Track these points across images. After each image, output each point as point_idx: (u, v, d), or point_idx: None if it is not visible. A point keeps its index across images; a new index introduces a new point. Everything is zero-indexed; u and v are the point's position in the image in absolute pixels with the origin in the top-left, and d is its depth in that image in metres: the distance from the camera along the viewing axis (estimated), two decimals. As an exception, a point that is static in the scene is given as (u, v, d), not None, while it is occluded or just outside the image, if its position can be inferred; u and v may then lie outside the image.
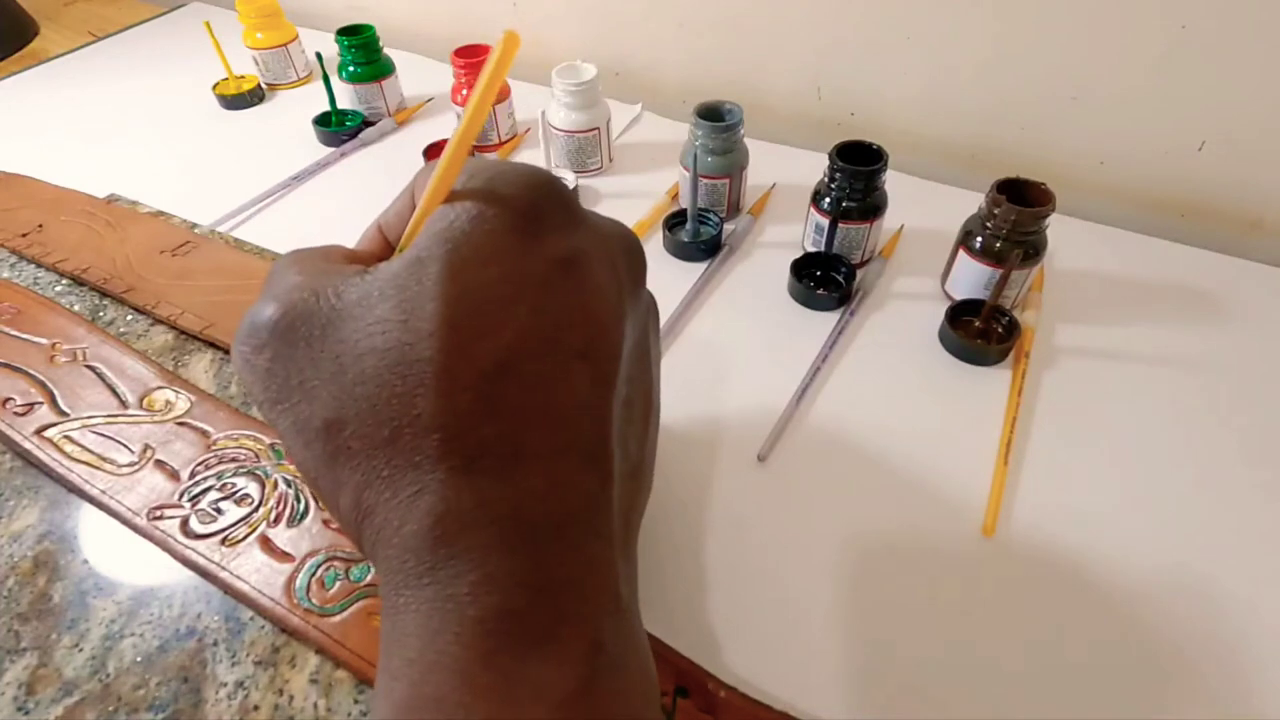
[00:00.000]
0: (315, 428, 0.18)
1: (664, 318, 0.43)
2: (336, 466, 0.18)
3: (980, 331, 0.41)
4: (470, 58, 0.56)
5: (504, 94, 0.58)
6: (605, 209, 0.53)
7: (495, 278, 0.18)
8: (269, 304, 0.19)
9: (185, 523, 0.33)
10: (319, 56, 0.60)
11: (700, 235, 0.48)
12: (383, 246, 0.23)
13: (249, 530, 0.32)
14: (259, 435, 0.36)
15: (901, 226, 0.50)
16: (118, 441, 0.36)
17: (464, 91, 0.57)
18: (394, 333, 0.17)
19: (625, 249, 0.22)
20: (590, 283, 0.19)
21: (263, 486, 0.34)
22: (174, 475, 0.34)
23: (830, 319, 0.43)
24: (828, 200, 0.44)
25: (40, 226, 0.50)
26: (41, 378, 0.39)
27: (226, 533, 0.32)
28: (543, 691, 0.16)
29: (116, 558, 0.32)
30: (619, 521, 0.20)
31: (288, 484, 0.34)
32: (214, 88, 0.66)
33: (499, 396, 0.17)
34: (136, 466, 0.35)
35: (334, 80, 0.60)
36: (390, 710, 0.17)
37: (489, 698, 0.16)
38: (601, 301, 0.19)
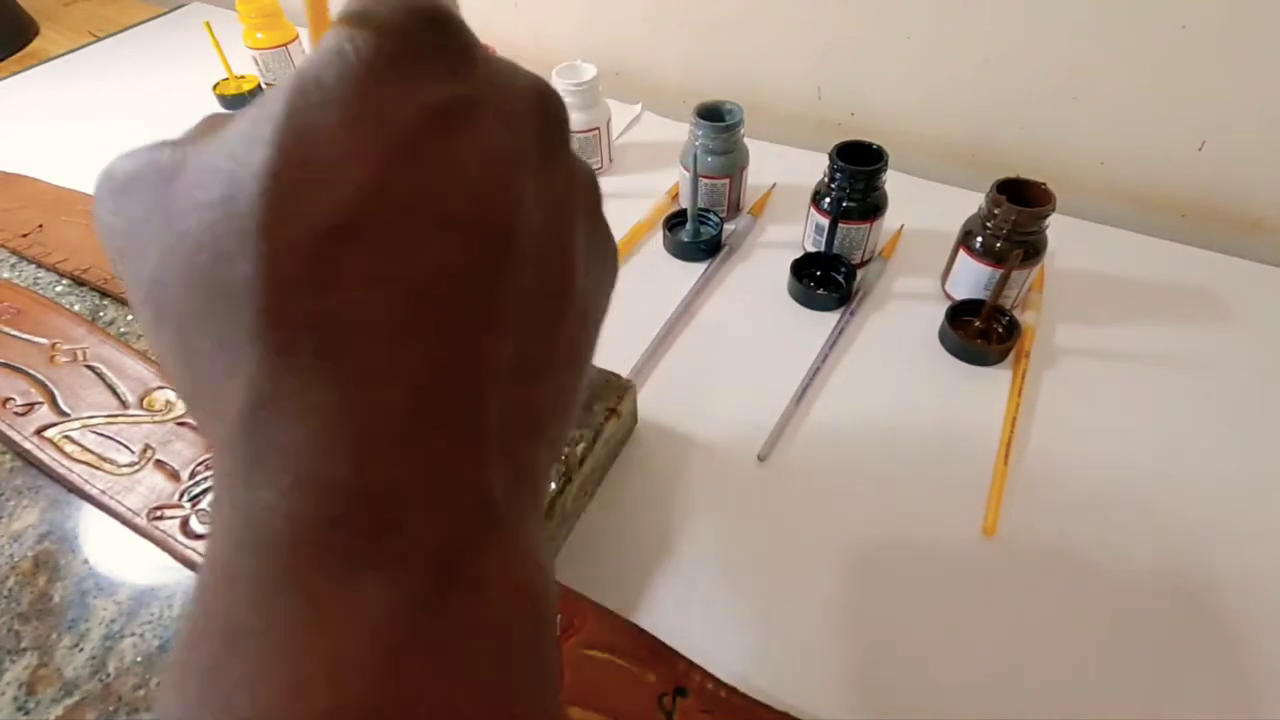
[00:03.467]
0: (144, 289, 0.16)
1: (664, 318, 0.43)
2: (160, 334, 0.16)
3: (980, 331, 0.41)
4: (470, 58, 0.55)
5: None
6: (605, 209, 0.53)
7: (340, 122, 0.15)
8: (128, 155, 0.17)
9: (185, 523, 0.33)
10: (319, 56, 0.60)
11: (700, 235, 0.48)
12: None
13: (249, 530, 0.32)
14: (259, 435, 0.36)
15: (901, 226, 0.50)
16: (118, 441, 0.36)
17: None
18: (219, 186, 0.15)
19: (536, 106, 0.18)
20: (474, 140, 0.16)
21: (263, 486, 0.34)
22: (174, 475, 0.34)
23: (830, 319, 0.43)
24: (828, 200, 0.44)
25: (41, 226, 0.50)
26: (42, 378, 0.39)
27: (227, 533, 0.32)
28: (356, 615, 0.13)
29: (117, 558, 0.32)
30: (499, 423, 0.16)
31: (288, 484, 0.34)
32: (214, 88, 0.66)
33: (332, 264, 0.14)
34: (136, 466, 0.35)
35: (334, 80, 0.60)
36: (186, 626, 0.14)
37: (287, 622, 0.13)
38: (488, 164, 0.16)
